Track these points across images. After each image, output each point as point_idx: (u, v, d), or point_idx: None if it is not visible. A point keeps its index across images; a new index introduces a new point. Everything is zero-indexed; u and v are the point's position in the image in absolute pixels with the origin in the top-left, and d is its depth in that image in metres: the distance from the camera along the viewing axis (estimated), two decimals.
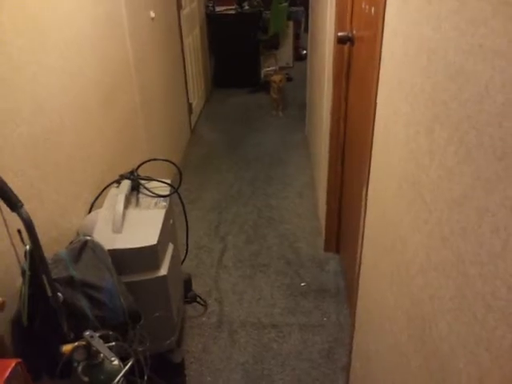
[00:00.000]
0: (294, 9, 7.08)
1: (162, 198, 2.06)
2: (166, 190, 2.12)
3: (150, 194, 2.07)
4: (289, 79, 6.37)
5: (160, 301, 1.91)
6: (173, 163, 2.28)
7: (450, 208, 0.84)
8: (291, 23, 6.89)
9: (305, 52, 7.27)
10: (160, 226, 1.88)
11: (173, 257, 1.98)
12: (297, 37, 7.27)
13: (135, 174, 2.09)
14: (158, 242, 1.82)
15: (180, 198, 2.21)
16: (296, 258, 2.96)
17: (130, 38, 2.78)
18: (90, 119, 2.15)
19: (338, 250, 2.98)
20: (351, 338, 1.92)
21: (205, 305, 2.60)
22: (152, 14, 3.35)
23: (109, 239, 1.80)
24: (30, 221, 1.21)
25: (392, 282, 1.26)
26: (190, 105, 4.66)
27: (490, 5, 0.69)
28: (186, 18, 4.57)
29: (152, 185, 2.13)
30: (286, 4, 6.36)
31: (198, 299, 2.60)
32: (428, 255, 0.96)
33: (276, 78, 5.19)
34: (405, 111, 1.13)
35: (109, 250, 1.75)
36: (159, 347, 1.99)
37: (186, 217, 2.40)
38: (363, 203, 1.62)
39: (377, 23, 1.42)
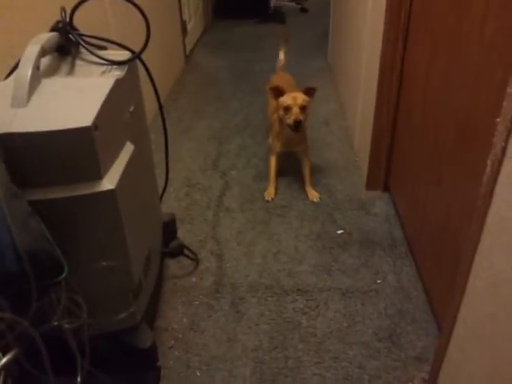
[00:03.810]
0: None
1: (115, 66, 1.17)
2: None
3: (96, 58, 1.18)
4: (303, 10, 5.40)
5: (104, 238, 1.05)
6: None
7: None
8: None
9: None
10: (102, 100, 1.00)
11: (132, 165, 1.11)
12: None
13: (68, 22, 1.19)
14: (96, 125, 0.94)
15: (148, 72, 1.31)
16: (327, 197, 2.09)
17: None
18: None
19: (386, 188, 2.11)
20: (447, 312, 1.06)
21: (195, 259, 1.74)
22: None
23: (1, 117, 0.93)
24: None
25: None
26: (183, 23, 3.71)
27: None
28: None
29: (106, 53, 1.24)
30: None
31: (186, 251, 1.75)
32: None
33: (294, 97, 1.98)
34: None
35: None
36: (110, 323, 1.14)
37: (164, 124, 1.51)
38: None
39: None
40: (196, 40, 4.27)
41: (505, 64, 0.96)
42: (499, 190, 0.84)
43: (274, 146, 2.19)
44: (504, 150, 0.81)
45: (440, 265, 1.44)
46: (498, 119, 0.82)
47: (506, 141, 0.80)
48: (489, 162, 0.86)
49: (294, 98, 1.97)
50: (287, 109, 1.97)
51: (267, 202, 2.06)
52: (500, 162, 0.83)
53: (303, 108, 1.97)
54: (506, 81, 0.81)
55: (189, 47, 3.95)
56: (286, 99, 1.98)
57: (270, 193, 2.09)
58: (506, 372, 0.86)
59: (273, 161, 2.17)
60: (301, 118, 1.95)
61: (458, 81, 1.27)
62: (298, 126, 1.96)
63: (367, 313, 1.51)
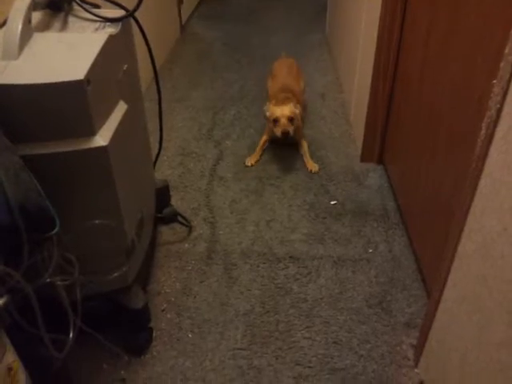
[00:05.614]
0: None
1: (108, 24, 1.15)
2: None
3: (89, 15, 1.16)
4: None
5: (97, 196, 1.04)
6: None
7: None
8: None
9: None
10: (95, 54, 0.98)
11: (125, 124, 1.10)
12: None
13: None
14: (89, 79, 0.93)
15: (142, 31, 1.29)
16: (322, 169, 2.08)
17: None
18: None
19: (380, 160, 2.11)
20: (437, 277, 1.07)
21: (189, 226, 1.75)
22: None
23: None
24: None
25: None
26: None
27: None
28: None
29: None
30: None
31: (179, 218, 1.75)
32: None
33: (282, 110, 2.05)
34: None
35: None
36: (103, 283, 1.15)
37: (158, 89, 1.50)
38: None
39: None
40: (192, 10, 4.18)
41: (503, 25, 0.95)
42: (493, 152, 0.84)
43: (268, 131, 2.23)
44: (499, 111, 0.81)
45: (431, 235, 1.45)
46: (494, 81, 0.82)
47: (502, 102, 0.80)
48: (483, 125, 0.86)
49: (281, 110, 2.05)
50: (276, 121, 2.05)
51: (246, 166, 2.10)
52: (495, 124, 0.82)
53: (291, 119, 2.04)
54: (504, 42, 0.80)
55: (184, 17, 3.87)
56: (274, 111, 2.06)
57: (251, 159, 2.13)
58: (493, 332, 0.88)
59: (264, 139, 2.23)
60: (288, 129, 2.03)
61: (457, 47, 1.25)
62: (285, 136, 2.04)
63: (358, 280, 1.53)
